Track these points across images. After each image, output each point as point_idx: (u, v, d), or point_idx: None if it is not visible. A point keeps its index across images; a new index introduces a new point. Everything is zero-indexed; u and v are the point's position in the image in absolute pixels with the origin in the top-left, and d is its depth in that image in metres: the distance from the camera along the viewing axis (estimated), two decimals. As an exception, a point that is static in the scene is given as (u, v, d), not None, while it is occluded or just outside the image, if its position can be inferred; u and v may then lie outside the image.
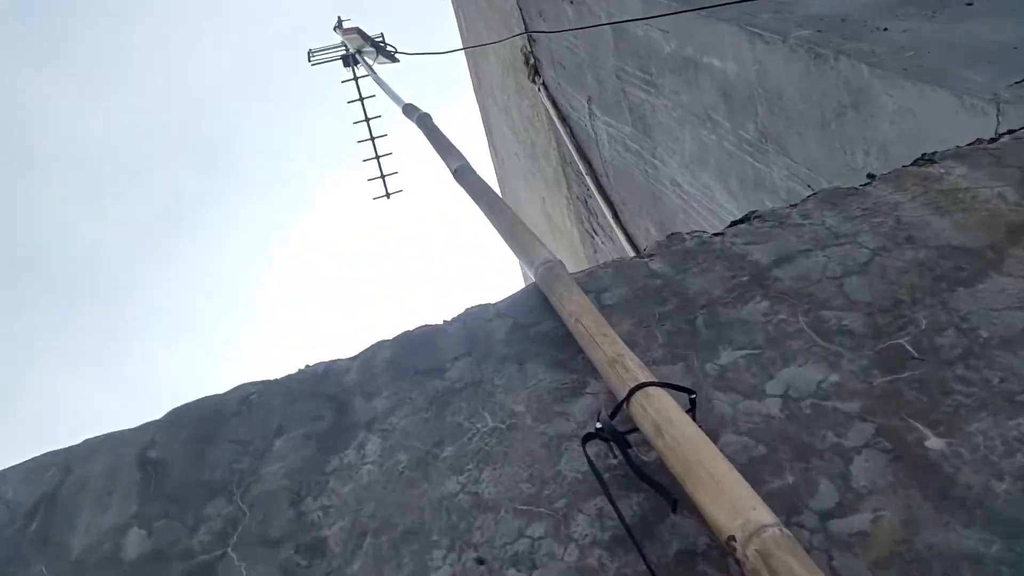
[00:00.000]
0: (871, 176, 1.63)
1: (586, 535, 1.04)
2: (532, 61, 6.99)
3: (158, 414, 1.71)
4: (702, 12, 3.09)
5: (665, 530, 1.00)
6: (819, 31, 2.47)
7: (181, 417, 1.59)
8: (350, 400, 1.44)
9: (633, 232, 5.29)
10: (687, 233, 1.55)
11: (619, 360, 1.15)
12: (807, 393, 1.14)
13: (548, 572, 1.01)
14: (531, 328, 1.44)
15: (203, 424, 1.54)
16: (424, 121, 3.01)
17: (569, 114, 6.20)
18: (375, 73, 5.22)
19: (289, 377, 1.58)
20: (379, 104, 5.84)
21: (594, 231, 6.31)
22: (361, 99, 5.96)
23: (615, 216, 5.59)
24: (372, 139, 6.04)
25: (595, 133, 5.56)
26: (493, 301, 1.58)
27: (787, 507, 0.99)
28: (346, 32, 5.82)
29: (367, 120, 6.02)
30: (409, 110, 3.30)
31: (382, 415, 1.37)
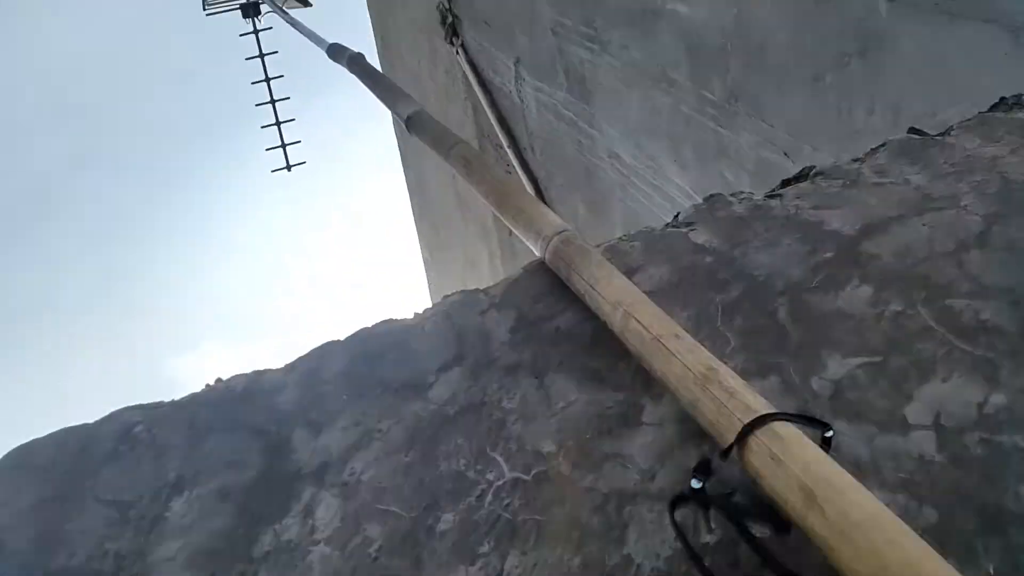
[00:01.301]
0: (908, 128, 1.32)
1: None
2: (450, 20, 6.49)
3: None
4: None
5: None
6: (814, -30, 2.17)
7: (27, 460, 1.10)
8: (287, 435, 1.00)
9: (559, 211, 4.95)
10: (731, 195, 1.20)
11: (713, 377, 0.77)
12: (968, 422, 0.80)
13: None
14: (544, 323, 1.04)
15: (61, 472, 1.06)
16: (357, 62, 2.51)
17: (491, 80, 5.77)
18: (286, 13, 4.58)
19: (193, 399, 1.12)
20: (282, 63, 5.21)
21: (517, 206, 5.93)
22: (261, 55, 5.30)
23: (538, 193, 5.24)
24: (272, 102, 5.41)
25: (522, 100, 5.16)
26: (482, 287, 1.17)
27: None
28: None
29: (267, 80, 5.37)
30: (336, 52, 2.77)
31: (338, 458, 0.95)
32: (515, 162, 5.43)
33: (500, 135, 5.63)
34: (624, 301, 0.90)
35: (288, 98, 5.52)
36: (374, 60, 8.95)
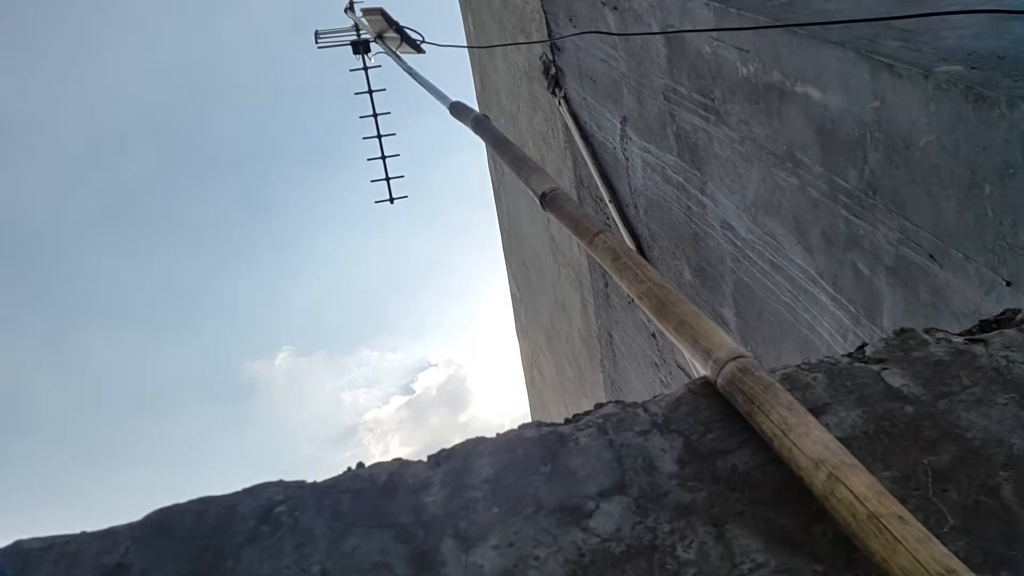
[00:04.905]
0: None
1: None
2: (553, 71, 6.55)
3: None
4: (800, 30, 2.67)
5: None
6: (974, 68, 2.05)
7: (168, 526, 1.08)
8: (435, 544, 0.95)
9: (662, 272, 4.86)
10: (924, 331, 1.10)
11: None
12: None
13: None
14: (718, 460, 0.96)
15: (202, 547, 1.03)
16: (482, 125, 2.52)
17: (594, 134, 5.77)
18: (403, 61, 4.71)
19: (335, 484, 1.08)
20: (390, 99, 5.35)
21: (609, 261, 5.86)
22: (370, 91, 5.46)
23: (640, 251, 5.16)
24: (379, 136, 5.54)
25: (626, 158, 5.13)
26: (639, 400, 1.10)
27: None
28: (368, 12, 5.30)
29: (375, 115, 5.52)
30: (459, 110, 2.81)
31: (492, 583, 0.89)
32: (616, 217, 5.38)
33: (602, 189, 5.60)
34: (829, 461, 0.82)
35: (394, 134, 5.65)
36: (470, 96, 9.11)
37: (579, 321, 7.30)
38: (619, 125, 5.07)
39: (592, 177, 5.82)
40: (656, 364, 5.80)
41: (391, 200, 5.65)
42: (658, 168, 4.54)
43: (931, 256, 2.29)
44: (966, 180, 2.08)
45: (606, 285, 6.15)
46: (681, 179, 4.22)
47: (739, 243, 3.66)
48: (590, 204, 6.18)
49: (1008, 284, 2.00)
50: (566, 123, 6.26)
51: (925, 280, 2.36)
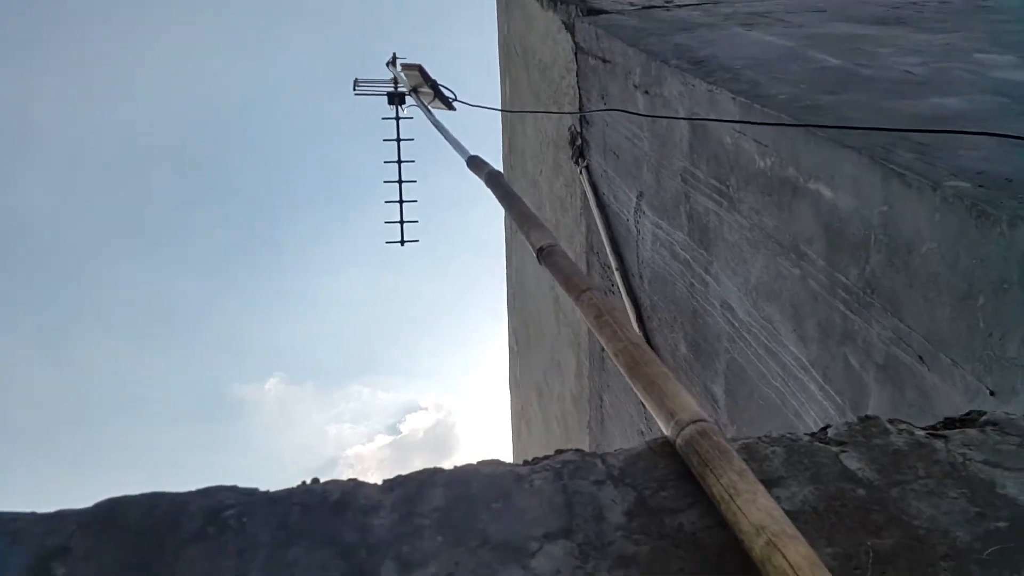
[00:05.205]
0: None
1: None
2: (579, 142, 6.72)
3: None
4: (820, 132, 2.75)
5: None
6: (981, 187, 2.10)
7: (116, 515, 1.09)
8: (375, 565, 0.95)
9: (659, 345, 4.87)
10: (888, 421, 1.11)
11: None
12: None
13: None
14: (666, 517, 0.97)
15: (146, 540, 1.03)
16: (495, 180, 2.60)
17: (610, 204, 5.88)
18: (432, 115, 4.86)
19: (288, 495, 1.09)
20: (416, 148, 5.50)
21: (609, 330, 5.87)
22: (398, 139, 5.61)
23: (640, 322, 5.19)
24: (400, 181, 5.66)
25: (638, 231, 5.20)
26: (599, 452, 1.11)
27: None
28: (407, 67, 5.50)
29: (399, 162, 5.65)
30: (476, 164, 2.90)
31: (425, 610, 0.88)
32: (621, 286, 5.42)
33: (610, 256, 5.66)
34: (769, 528, 0.82)
35: (415, 181, 5.78)
36: (495, 155, 9.33)
37: (572, 381, 7.28)
38: (635, 199, 5.16)
39: (603, 244, 5.90)
40: (643, 432, 5.74)
41: (402, 243, 5.74)
42: (667, 244, 4.60)
43: (920, 358, 2.30)
44: (962, 290, 2.10)
45: (603, 349, 6.15)
46: (688, 256, 4.27)
47: (736, 324, 3.68)
48: (598, 270, 6.24)
49: (992, 394, 2.00)
50: (584, 191, 6.38)
51: (912, 380, 2.37)
